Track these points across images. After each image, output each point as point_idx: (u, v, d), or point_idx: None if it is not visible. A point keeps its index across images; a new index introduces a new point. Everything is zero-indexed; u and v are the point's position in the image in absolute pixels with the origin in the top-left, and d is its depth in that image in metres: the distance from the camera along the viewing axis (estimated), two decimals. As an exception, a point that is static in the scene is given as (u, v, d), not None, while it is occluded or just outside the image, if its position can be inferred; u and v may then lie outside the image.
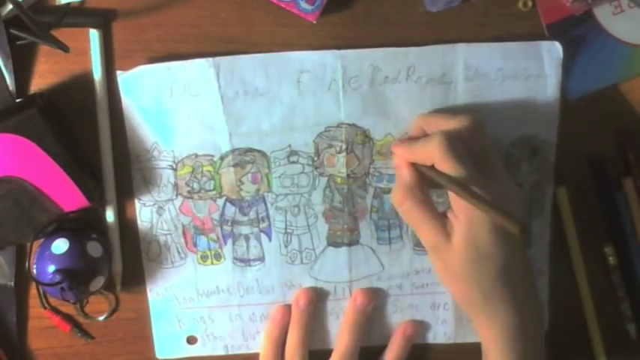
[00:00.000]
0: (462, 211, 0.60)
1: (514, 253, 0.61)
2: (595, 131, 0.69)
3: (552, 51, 0.66)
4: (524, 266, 0.63)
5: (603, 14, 0.67)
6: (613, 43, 0.67)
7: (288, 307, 0.71)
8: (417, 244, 0.70)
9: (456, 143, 0.60)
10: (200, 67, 0.66)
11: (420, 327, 0.72)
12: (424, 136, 0.64)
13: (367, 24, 0.67)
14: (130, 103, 0.67)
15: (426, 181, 0.63)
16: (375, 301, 0.71)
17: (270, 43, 0.67)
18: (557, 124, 0.68)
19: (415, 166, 0.63)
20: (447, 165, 0.59)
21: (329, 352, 0.71)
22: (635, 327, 0.71)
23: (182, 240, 0.69)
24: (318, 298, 0.71)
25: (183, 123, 0.67)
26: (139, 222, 0.69)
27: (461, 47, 0.66)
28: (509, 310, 0.62)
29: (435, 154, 0.60)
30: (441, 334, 0.72)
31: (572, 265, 0.71)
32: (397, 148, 0.65)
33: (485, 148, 0.63)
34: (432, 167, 0.61)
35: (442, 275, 0.64)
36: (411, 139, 0.65)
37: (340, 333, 0.71)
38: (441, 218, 0.62)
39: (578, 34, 0.67)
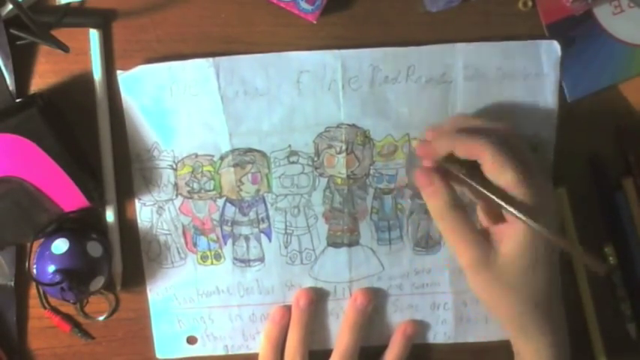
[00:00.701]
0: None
1: (556, 266, 0.61)
2: (595, 131, 0.69)
3: (551, 50, 0.66)
4: (559, 280, 0.63)
5: (603, 14, 0.67)
6: (613, 43, 0.67)
7: (287, 308, 0.71)
8: (417, 245, 0.70)
9: (506, 144, 0.58)
10: (200, 67, 0.66)
11: (420, 326, 0.72)
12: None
13: (367, 24, 0.67)
14: (130, 102, 0.67)
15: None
16: (375, 301, 0.71)
17: (270, 43, 0.67)
18: (555, 123, 0.68)
19: (453, 178, 0.61)
20: (496, 166, 0.57)
21: (329, 352, 0.71)
22: (635, 327, 0.72)
23: (182, 240, 0.69)
24: (318, 298, 0.71)
25: (184, 123, 0.67)
26: (139, 222, 0.69)
27: (460, 47, 0.66)
28: (553, 324, 0.61)
29: (485, 152, 0.57)
30: (441, 333, 0.72)
31: (573, 265, 0.71)
32: (428, 143, 0.63)
33: (525, 155, 0.60)
34: (485, 185, 0.59)
35: (486, 291, 0.62)
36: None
37: (340, 333, 0.71)
38: (481, 231, 0.61)
39: (578, 34, 0.67)
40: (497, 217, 0.61)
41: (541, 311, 0.61)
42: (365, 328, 0.71)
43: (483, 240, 0.60)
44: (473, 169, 0.60)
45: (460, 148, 0.60)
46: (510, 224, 0.59)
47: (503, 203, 0.57)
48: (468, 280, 0.63)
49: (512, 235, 0.59)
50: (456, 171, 0.61)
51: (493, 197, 0.58)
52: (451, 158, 0.61)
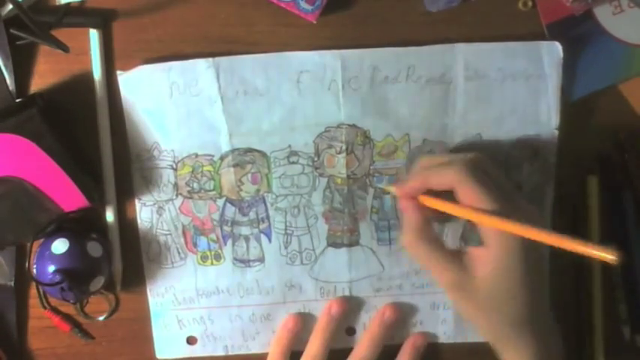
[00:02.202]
0: (494, 240, 0.58)
1: (539, 282, 0.61)
2: (594, 131, 0.70)
3: (552, 51, 0.66)
4: (546, 295, 0.63)
5: (603, 14, 0.67)
6: (613, 43, 0.67)
7: (300, 316, 0.71)
8: (417, 245, 0.70)
9: (479, 170, 0.59)
10: (200, 68, 0.66)
11: (429, 338, 0.72)
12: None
13: (367, 24, 0.67)
14: (130, 103, 0.67)
15: (431, 218, 0.63)
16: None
17: (270, 43, 0.67)
18: (557, 125, 0.68)
19: (427, 204, 0.62)
20: (470, 191, 0.58)
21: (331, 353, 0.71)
22: (629, 329, 0.71)
23: (182, 240, 0.69)
24: (349, 311, 0.71)
25: (184, 123, 0.67)
26: (139, 222, 0.69)
27: (460, 47, 0.66)
28: (535, 339, 0.61)
29: (456, 179, 0.58)
30: (440, 333, 0.72)
31: (587, 262, 0.71)
32: (403, 185, 0.63)
33: (500, 180, 0.61)
34: (457, 203, 0.59)
35: (468, 310, 0.62)
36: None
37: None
38: (454, 254, 0.61)
39: (578, 34, 0.67)
40: (477, 241, 0.61)
41: (521, 331, 0.60)
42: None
43: (457, 262, 0.61)
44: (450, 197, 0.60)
45: (434, 182, 0.60)
46: (487, 249, 0.59)
47: (480, 219, 0.58)
48: (449, 298, 0.64)
49: (487, 258, 0.59)
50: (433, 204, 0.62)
51: (466, 216, 0.59)
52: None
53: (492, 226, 0.57)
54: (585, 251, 0.53)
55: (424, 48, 0.66)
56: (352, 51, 0.66)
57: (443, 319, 0.72)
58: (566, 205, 0.70)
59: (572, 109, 0.68)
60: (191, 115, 0.67)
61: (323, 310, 0.71)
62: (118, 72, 0.66)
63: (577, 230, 0.70)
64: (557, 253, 0.69)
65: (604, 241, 0.70)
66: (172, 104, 0.66)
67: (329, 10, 0.66)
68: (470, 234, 0.69)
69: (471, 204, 0.58)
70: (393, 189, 0.66)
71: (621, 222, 0.70)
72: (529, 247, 0.58)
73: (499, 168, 0.63)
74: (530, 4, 0.67)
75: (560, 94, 0.67)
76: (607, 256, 0.51)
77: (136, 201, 0.69)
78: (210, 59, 0.66)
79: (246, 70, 0.66)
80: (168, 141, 0.67)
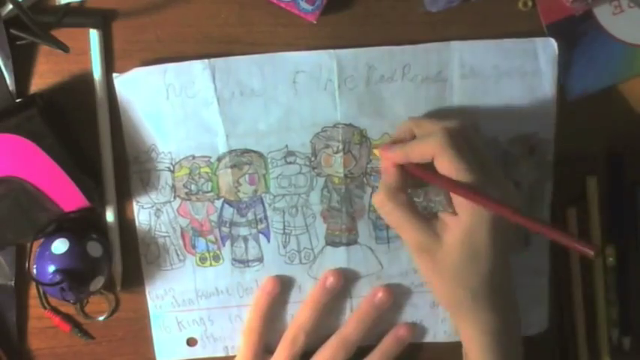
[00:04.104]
0: (465, 209, 0.59)
1: (503, 256, 0.61)
2: (594, 131, 0.69)
3: (547, 47, 0.66)
4: (508, 270, 0.63)
5: (603, 14, 0.67)
6: (613, 43, 0.67)
7: (278, 279, 0.70)
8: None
9: (459, 139, 0.59)
10: (196, 69, 0.66)
11: (417, 329, 0.72)
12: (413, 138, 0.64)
13: (367, 24, 0.67)
14: (127, 105, 0.67)
15: (408, 183, 0.63)
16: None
17: (270, 43, 0.67)
18: (554, 122, 0.68)
19: (406, 168, 0.62)
20: (447, 161, 0.58)
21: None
22: (617, 332, 0.71)
23: (180, 242, 0.69)
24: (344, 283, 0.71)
25: (180, 125, 0.67)
26: (137, 224, 0.69)
27: (455, 45, 0.66)
28: (494, 312, 0.61)
29: (436, 150, 0.59)
30: (440, 332, 0.72)
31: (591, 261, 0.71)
32: (387, 151, 0.63)
33: (480, 150, 0.61)
34: (434, 172, 0.60)
35: (428, 275, 0.63)
36: (400, 142, 0.64)
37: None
38: (425, 218, 0.62)
39: (578, 34, 0.67)
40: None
41: (480, 301, 0.61)
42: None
43: (428, 226, 0.61)
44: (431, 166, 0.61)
45: (415, 156, 0.61)
46: (458, 217, 0.60)
47: (451, 189, 0.59)
48: (414, 260, 0.65)
49: (456, 226, 0.60)
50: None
51: (441, 186, 0.61)
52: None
53: (465, 198, 0.58)
54: (566, 243, 0.55)
55: (419, 46, 0.66)
56: (348, 50, 0.66)
57: (443, 317, 0.71)
58: (565, 204, 0.70)
59: (572, 109, 0.68)
60: (188, 116, 0.67)
61: (318, 281, 0.70)
62: (114, 74, 0.66)
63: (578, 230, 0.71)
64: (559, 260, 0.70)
65: (604, 243, 0.71)
66: (169, 106, 0.66)
67: (329, 10, 0.65)
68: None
69: (447, 174, 0.59)
70: (377, 152, 0.66)
71: (620, 223, 0.70)
72: (498, 220, 0.59)
73: (480, 138, 0.64)
74: (530, 4, 0.67)
75: (556, 89, 0.67)
76: (587, 251, 0.53)
77: (134, 204, 0.69)
78: (206, 60, 0.66)
79: (242, 71, 0.66)
80: (165, 143, 0.67)
